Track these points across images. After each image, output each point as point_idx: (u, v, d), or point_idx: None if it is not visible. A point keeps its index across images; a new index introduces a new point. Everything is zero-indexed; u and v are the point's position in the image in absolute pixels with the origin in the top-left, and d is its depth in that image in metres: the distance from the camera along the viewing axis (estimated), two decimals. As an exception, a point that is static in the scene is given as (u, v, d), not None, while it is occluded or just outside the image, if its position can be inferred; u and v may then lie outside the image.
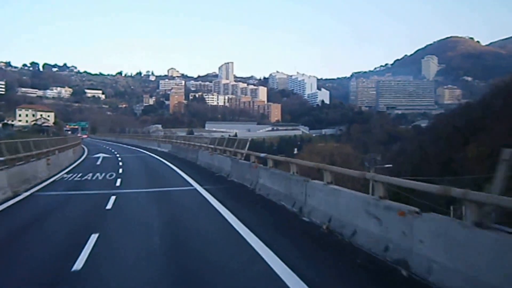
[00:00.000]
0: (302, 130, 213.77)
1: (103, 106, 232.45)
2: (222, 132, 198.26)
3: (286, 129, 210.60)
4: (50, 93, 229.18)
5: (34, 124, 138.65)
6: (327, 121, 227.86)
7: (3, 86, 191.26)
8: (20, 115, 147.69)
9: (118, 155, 42.02)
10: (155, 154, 41.77)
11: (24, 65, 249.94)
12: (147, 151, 49.25)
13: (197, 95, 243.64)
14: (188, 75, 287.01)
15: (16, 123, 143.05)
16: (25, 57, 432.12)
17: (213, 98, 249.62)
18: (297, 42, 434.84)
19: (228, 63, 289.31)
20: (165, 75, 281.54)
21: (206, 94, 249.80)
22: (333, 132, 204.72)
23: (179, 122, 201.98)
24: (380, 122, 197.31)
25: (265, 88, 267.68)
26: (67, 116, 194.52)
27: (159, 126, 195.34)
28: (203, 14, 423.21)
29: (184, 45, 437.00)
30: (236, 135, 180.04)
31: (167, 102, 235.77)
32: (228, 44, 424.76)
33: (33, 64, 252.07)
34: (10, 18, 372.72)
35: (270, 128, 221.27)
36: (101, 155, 42.87)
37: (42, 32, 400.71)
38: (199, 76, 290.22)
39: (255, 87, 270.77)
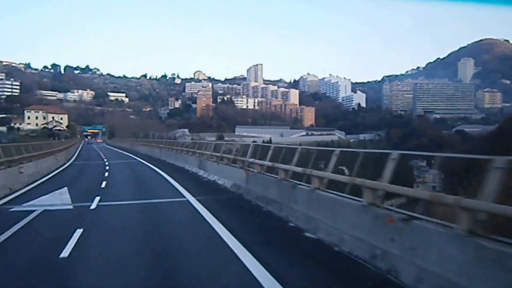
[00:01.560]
0: (338, 135, 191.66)
1: (127, 109, 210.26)
2: (254, 137, 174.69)
3: (321, 134, 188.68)
4: (71, 96, 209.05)
5: (44, 127, 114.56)
6: (364, 125, 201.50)
7: (17, 87, 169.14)
8: (29, 117, 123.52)
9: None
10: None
11: (45, 67, 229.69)
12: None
13: (225, 98, 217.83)
14: (215, 78, 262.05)
15: (24, 126, 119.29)
16: (46, 59, 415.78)
17: (242, 101, 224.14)
18: (325, 45, 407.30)
19: (257, 65, 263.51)
20: (191, 78, 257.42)
21: (234, 97, 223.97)
22: (371, 137, 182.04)
23: (207, 126, 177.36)
24: (421, 127, 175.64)
25: (297, 91, 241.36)
26: (88, 119, 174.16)
27: (186, 130, 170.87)
28: (229, 16, 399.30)
29: (210, 48, 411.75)
30: (270, 141, 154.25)
31: (193, 106, 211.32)
32: (255, 47, 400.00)
33: (54, 66, 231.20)
34: (31, 19, 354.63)
35: (304, 133, 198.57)
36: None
37: (65, 34, 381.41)
38: (226, 79, 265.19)
39: (286, 89, 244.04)
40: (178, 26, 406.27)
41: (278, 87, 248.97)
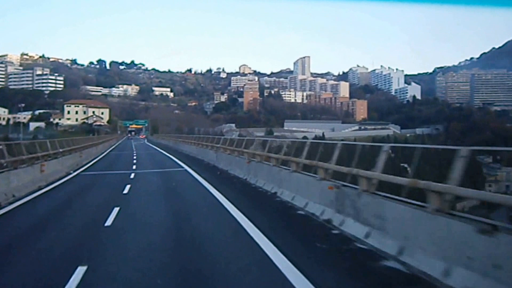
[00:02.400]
0: (393, 130, 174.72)
1: (171, 104, 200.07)
2: (304, 132, 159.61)
3: (374, 129, 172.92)
4: (115, 91, 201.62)
5: (83, 122, 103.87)
6: (420, 119, 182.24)
7: (61, 82, 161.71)
8: (69, 112, 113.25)
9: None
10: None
11: (91, 63, 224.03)
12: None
13: (272, 92, 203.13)
14: (261, 71, 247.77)
15: (64, 121, 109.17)
16: (92, 55, 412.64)
17: (289, 94, 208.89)
18: (374, 37, 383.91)
19: (304, 57, 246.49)
20: (237, 72, 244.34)
21: (282, 90, 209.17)
22: (429, 132, 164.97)
23: (255, 121, 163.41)
24: (482, 120, 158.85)
25: (347, 84, 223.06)
26: (132, 115, 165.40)
27: (233, 125, 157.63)
28: (273, 10, 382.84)
29: (255, 42, 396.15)
30: (323, 136, 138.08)
31: (240, 100, 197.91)
32: (300, 40, 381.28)
33: (100, 61, 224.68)
34: (77, 16, 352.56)
35: (356, 128, 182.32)
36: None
37: (110, 29, 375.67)
38: (272, 73, 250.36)
39: (336, 82, 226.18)
40: (223, 20, 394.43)
41: (328, 80, 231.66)
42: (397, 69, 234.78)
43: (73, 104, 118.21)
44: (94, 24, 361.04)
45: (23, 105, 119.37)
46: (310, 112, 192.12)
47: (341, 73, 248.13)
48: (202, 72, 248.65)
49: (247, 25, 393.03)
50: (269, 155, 13.98)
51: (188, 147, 37.71)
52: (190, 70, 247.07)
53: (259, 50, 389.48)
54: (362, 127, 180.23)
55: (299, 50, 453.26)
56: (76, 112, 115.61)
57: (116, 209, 10.77)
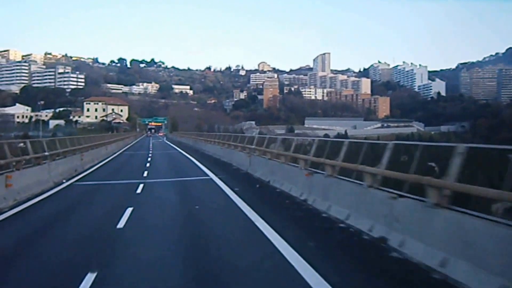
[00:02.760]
0: (417, 127, 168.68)
1: (191, 102, 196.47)
2: (325, 129, 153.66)
3: (398, 126, 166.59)
4: (136, 89, 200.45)
5: (102, 120, 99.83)
6: (445, 116, 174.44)
7: (82, 80, 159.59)
8: (88, 110, 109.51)
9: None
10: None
11: (112, 61, 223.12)
12: None
13: (292, 89, 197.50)
14: (280, 69, 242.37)
15: (83, 119, 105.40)
16: (113, 53, 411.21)
17: (310, 91, 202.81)
18: (394, 33, 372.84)
19: (324, 54, 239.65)
20: (256, 69, 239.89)
21: (302, 87, 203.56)
22: (454, 129, 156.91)
23: (275, 118, 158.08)
24: None
25: (369, 80, 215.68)
26: (152, 112, 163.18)
27: (253, 123, 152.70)
28: (292, 7, 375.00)
29: (274, 39, 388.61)
30: (346, 134, 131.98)
31: (259, 97, 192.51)
32: (320, 37, 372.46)
33: (121, 60, 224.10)
34: (99, 16, 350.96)
35: (379, 125, 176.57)
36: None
37: (131, 29, 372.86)
38: (291, 70, 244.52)
39: (357, 79, 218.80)
40: (242, 18, 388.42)
41: (349, 76, 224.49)
42: (420, 65, 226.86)
43: (92, 101, 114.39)
44: (116, 24, 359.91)
45: (42, 102, 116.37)
46: (331, 109, 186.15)
47: (361, 70, 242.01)
48: (221, 70, 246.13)
49: (266, 22, 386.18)
50: (357, 168, 8.40)
51: (212, 147, 32.26)
52: (209, 68, 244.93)
53: (278, 48, 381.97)
54: (385, 125, 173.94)
55: (319, 47, 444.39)
56: (96, 110, 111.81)
57: (90, 278, 5.43)
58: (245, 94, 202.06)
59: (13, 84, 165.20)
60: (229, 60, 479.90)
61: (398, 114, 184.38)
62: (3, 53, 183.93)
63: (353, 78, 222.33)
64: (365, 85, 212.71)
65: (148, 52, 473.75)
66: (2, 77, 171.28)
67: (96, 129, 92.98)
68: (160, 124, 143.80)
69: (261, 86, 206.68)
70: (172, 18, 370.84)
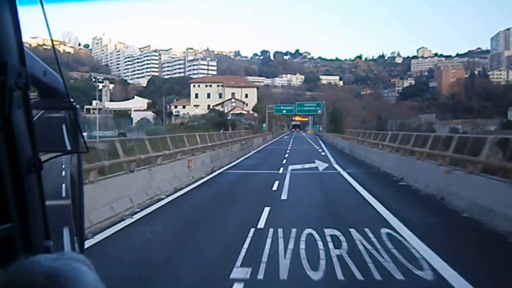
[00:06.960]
0: None
1: (340, 93, 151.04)
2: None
3: None
4: (278, 81, 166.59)
5: (211, 111, 60.87)
6: None
7: (214, 68, 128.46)
8: (197, 96, 71.61)
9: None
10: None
11: (255, 54, 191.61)
12: None
13: (475, 72, 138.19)
14: (444, 54, 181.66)
15: (190, 110, 68.78)
16: (256, 46, 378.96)
17: (499, 74, 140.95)
18: None
19: (508, 29, 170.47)
20: (414, 56, 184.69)
21: (489, 70, 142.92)
22: None
23: (464, 109, 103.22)
24: None
25: None
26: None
27: (433, 115, 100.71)
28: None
29: (433, 23, 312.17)
30: None
31: (430, 84, 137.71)
32: (493, 15, 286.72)
33: (263, 52, 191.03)
34: (240, 9, 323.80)
35: None
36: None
37: (275, 20, 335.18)
38: (457, 54, 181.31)
39: None
40: (395, 2, 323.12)
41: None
42: None
43: (202, 82, 75.24)
44: (259, 17, 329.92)
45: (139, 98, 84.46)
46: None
47: None
48: (374, 58, 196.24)
49: (422, 5, 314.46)
50: None
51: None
52: (360, 57, 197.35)
53: (437, 32, 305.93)
54: None
55: (490, 26, 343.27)
56: (208, 95, 73.17)
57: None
58: (411, 81, 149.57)
59: (143, 77, 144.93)
60: (383, 47, 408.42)
61: None
62: (145, 48, 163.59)
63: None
64: None
65: (292, 43, 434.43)
66: (134, 70, 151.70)
67: (198, 126, 55.98)
68: (306, 119, 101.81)
69: (425, 73, 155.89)
70: (317, 8, 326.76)
